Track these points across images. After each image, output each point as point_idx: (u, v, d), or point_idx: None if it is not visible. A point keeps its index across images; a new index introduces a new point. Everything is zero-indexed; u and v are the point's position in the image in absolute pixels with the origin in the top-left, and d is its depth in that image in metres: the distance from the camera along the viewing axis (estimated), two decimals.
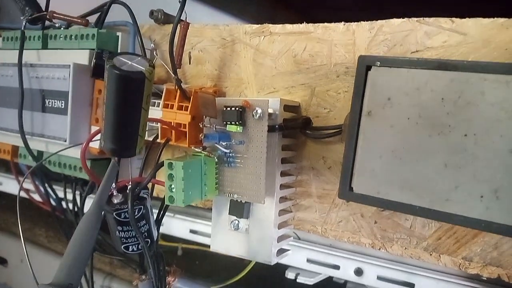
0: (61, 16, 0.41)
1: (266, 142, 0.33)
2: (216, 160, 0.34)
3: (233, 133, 0.33)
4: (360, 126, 0.28)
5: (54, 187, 0.52)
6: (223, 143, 0.34)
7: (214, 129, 0.34)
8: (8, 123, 0.44)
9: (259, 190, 0.33)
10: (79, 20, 0.41)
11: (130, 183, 0.32)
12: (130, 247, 0.33)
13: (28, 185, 0.56)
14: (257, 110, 0.32)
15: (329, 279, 0.49)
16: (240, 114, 0.32)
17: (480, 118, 0.25)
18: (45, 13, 0.42)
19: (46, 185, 0.50)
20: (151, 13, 0.44)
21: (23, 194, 0.64)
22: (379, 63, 0.27)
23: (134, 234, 0.33)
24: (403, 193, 0.27)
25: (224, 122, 0.33)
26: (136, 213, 0.32)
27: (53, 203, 0.52)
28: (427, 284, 0.43)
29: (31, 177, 0.53)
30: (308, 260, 0.48)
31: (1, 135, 0.46)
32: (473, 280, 0.42)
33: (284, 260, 0.49)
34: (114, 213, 0.32)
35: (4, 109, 0.45)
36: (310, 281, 0.48)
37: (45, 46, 0.44)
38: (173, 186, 0.31)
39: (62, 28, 0.44)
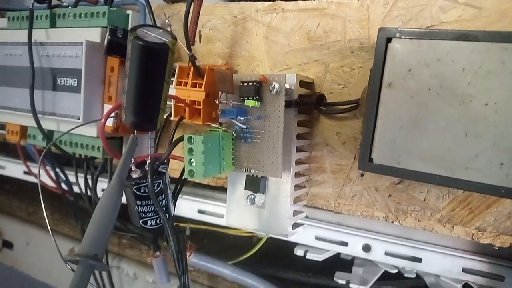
0: None
1: (283, 117, 0.33)
2: (234, 135, 0.34)
3: (250, 109, 0.34)
4: (380, 98, 0.28)
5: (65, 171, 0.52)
6: (241, 119, 0.34)
7: (231, 104, 0.34)
8: (17, 103, 0.44)
9: (276, 164, 0.33)
10: None
11: (149, 158, 0.32)
12: (149, 221, 0.34)
13: (37, 169, 0.56)
14: (274, 85, 0.32)
15: (337, 255, 0.50)
16: (258, 89, 0.33)
17: (501, 87, 0.25)
18: None
19: (57, 169, 0.50)
20: None
21: (26, 177, 0.64)
22: (399, 34, 0.27)
23: (152, 209, 0.33)
24: (423, 162, 0.27)
25: (241, 98, 0.33)
26: (155, 187, 0.32)
27: (64, 186, 0.52)
28: (434, 259, 0.44)
29: (41, 161, 0.53)
30: (317, 238, 0.49)
31: (10, 115, 0.45)
32: (478, 254, 0.43)
33: (293, 237, 0.50)
34: (133, 188, 0.32)
35: (13, 89, 0.45)
36: (319, 257, 0.49)
37: (53, 25, 0.43)
38: (192, 160, 0.32)
39: (69, 7, 0.43)
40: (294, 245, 0.51)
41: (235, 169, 0.35)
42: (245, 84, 0.33)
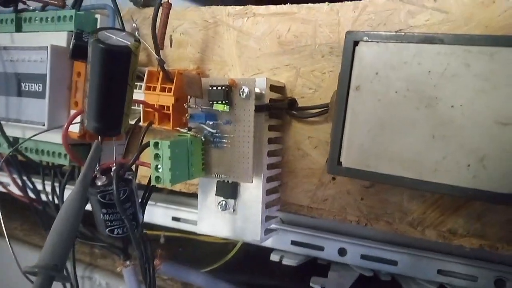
0: None
1: (253, 121, 0.32)
2: (203, 140, 0.34)
3: (219, 113, 0.33)
4: (348, 101, 0.28)
5: (32, 179, 0.50)
6: (210, 123, 0.33)
7: (200, 109, 0.33)
8: None
9: (247, 169, 0.33)
10: (56, 2, 0.39)
11: (114, 164, 0.31)
12: (115, 230, 0.33)
13: (4, 178, 0.54)
14: (243, 89, 0.32)
15: (314, 260, 0.50)
16: (227, 93, 0.32)
17: (466, 90, 0.25)
18: None
19: (24, 177, 0.49)
20: None
21: None
22: (366, 38, 0.27)
23: (119, 217, 0.32)
24: (392, 165, 0.27)
25: (210, 102, 0.33)
26: (121, 194, 0.31)
27: (31, 194, 0.50)
28: (409, 261, 0.44)
29: (7, 169, 0.51)
30: (293, 242, 0.49)
31: None
32: (452, 256, 0.43)
33: (269, 243, 0.50)
34: (98, 195, 0.31)
35: None
36: (294, 262, 0.48)
37: (18, 29, 0.42)
38: (159, 166, 0.31)
39: (36, 11, 0.42)
40: (270, 250, 0.50)
41: (205, 175, 0.35)
42: (214, 88, 0.32)
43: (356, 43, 0.28)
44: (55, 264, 0.26)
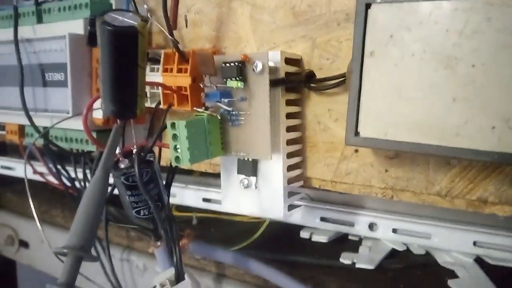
0: None
1: (269, 97, 0.32)
2: (220, 118, 0.33)
3: (234, 90, 0.33)
4: (363, 68, 0.27)
5: (67, 168, 0.52)
6: (225, 101, 0.33)
7: (214, 87, 0.33)
8: (10, 102, 0.44)
9: (265, 146, 0.33)
10: None
11: (134, 146, 0.32)
12: (141, 211, 0.33)
13: (41, 168, 0.56)
14: (257, 64, 0.31)
15: (345, 236, 0.49)
16: (240, 69, 0.32)
17: (487, 47, 0.23)
18: None
19: (58, 166, 0.51)
20: None
21: (37, 177, 0.65)
22: None
23: (144, 198, 0.33)
24: (411, 132, 0.26)
25: (224, 79, 0.33)
26: (144, 176, 0.32)
27: (66, 182, 0.52)
28: (443, 234, 0.43)
29: (43, 160, 0.53)
30: (322, 219, 0.48)
31: (5, 115, 0.46)
32: (486, 226, 0.41)
33: (298, 220, 0.49)
34: (122, 178, 0.32)
35: (8, 88, 0.45)
36: (325, 239, 0.48)
37: (40, 21, 0.43)
38: (178, 146, 0.31)
39: (55, 1, 0.43)
40: (300, 228, 0.50)
41: (225, 153, 0.35)
42: (227, 64, 0.32)
43: (368, 6, 0.27)
44: (82, 245, 0.27)
